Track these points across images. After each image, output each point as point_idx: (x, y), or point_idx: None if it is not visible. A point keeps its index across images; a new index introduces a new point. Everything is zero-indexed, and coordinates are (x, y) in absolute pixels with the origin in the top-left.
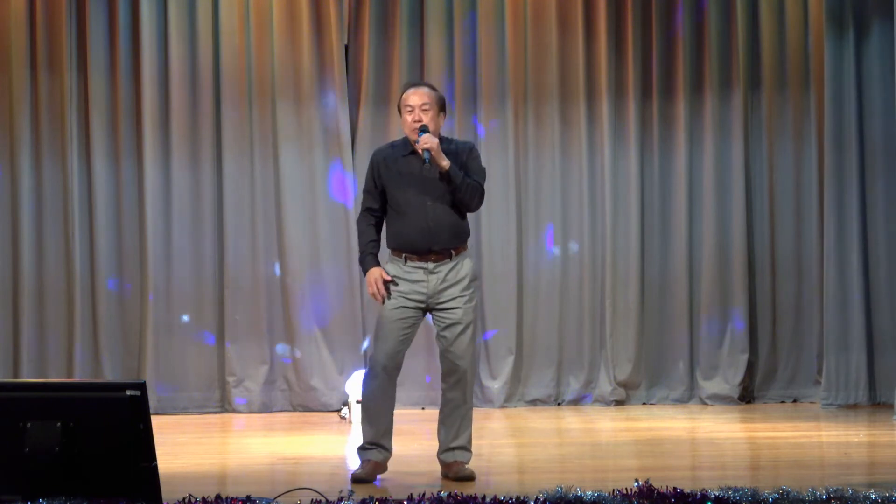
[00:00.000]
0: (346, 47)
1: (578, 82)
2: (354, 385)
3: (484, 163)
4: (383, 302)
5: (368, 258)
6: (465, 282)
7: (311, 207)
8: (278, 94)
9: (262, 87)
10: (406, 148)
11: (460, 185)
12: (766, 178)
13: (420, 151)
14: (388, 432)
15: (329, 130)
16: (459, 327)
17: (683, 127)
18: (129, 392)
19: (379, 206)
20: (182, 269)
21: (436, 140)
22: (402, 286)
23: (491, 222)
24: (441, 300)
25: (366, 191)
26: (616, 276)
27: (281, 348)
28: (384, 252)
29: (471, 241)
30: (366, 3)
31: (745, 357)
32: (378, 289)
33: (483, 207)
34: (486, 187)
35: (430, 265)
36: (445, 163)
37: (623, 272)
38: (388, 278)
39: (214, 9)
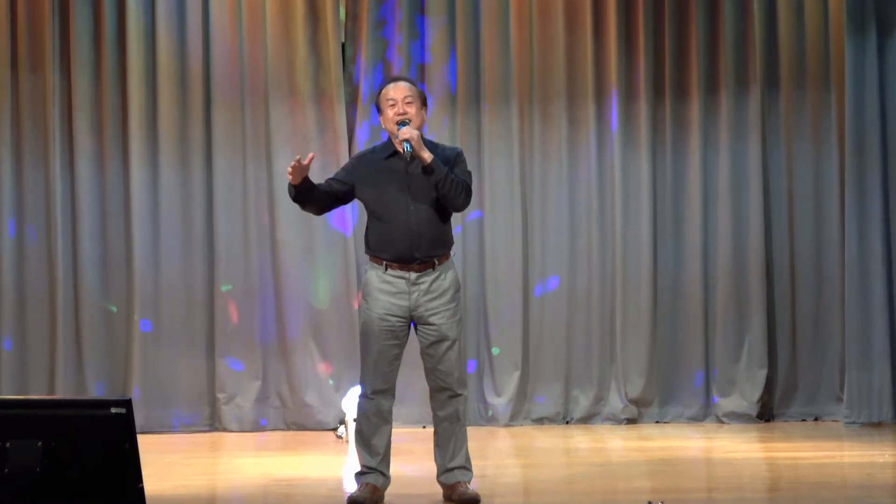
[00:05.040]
0: (343, 44)
1: (587, 81)
2: (352, 402)
3: (487, 165)
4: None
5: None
6: (450, 294)
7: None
8: (272, 94)
9: (255, 86)
10: (387, 149)
11: (444, 180)
12: (785, 181)
13: (400, 145)
14: (386, 458)
15: (325, 131)
16: (445, 344)
17: (697, 128)
18: (113, 409)
19: (335, 189)
20: (171, 278)
21: (416, 131)
22: (384, 299)
23: (494, 228)
24: (424, 313)
25: (330, 178)
26: (626, 286)
27: (274, 362)
28: (361, 257)
29: (473, 249)
30: (364, 1)
31: (763, 372)
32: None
33: (487, 212)
34: (489, 191)
35: (413, 275)
36: (427, 154)
37: (634, 282)
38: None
39: (204, 3)
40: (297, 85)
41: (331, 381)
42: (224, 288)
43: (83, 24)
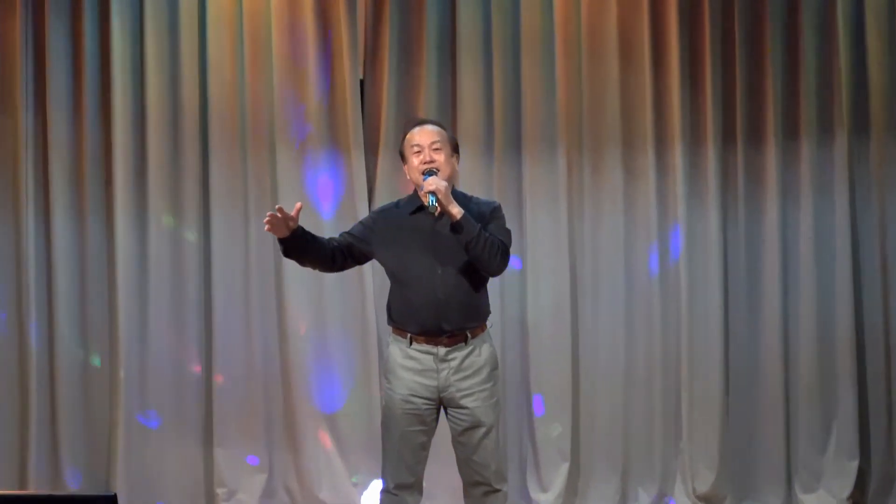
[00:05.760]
0: (362, 82)
1: (645, 124)
2: (373, 498)
3: (529, 221)
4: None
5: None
6: (485, 372)
7: (318, 277)
8: (278, 139)
9: (259, 131)
10: (412, 204)
11: (476, 239)
12: (877, 242)
13: (426, 198)
14: None
15: (341, 182)
16: (481, 430)
17: (774, 180)
18: None
19: (348, 246)
20: (160, 354)
21: (444, 182)
22: (408, 377)
23: (538, 295)
24: (456, 395)
25: (345, 232)
26: (693, 364)
27: (282, 452)
28: (383, 328)
29: (514, 318)
30: (384, 30)
31: (854, 464)
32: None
33: (529, 277)
34: (532, 252)
35: (441, 350)
36: (457, 209)
37: (702, 358)
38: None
39: (200, 35)
40: (308, 129)
41: (350, 476)
42: (222, 365)
43: (60, 60)
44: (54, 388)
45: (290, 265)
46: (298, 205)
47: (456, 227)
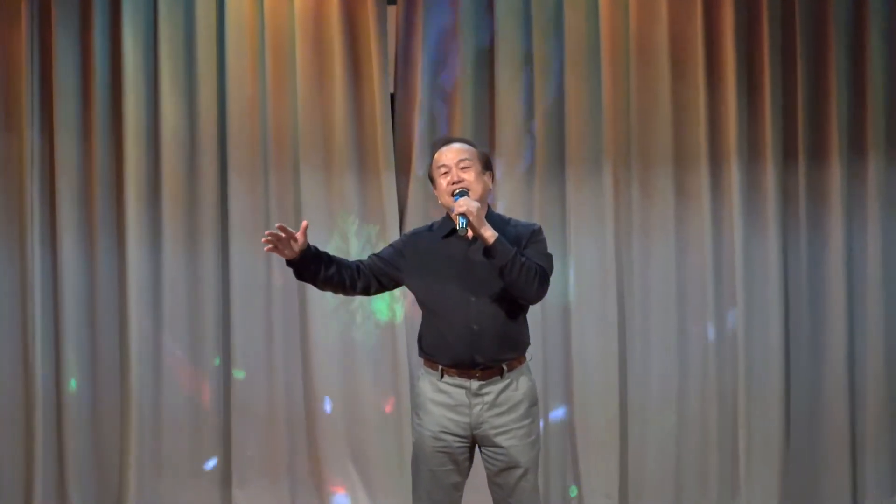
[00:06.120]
0: (392, 98)
1: (698, 141)
2: None
3: (573, 246)
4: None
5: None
6: (523, 408)
7: (346, 307)
8: (302, 159)
9: (281, 150)
10: (445, 227)
11: (511, 264)
12: None
13: (457, 221)
14: None
15: (370, 206)
16: (517, 472)
17: (839, 200)
18: None
19: (374, 269)
20: (175, 387)
21: (476, 203)
22: (439, 413)
23: (583, 324)
24: (490, 432)
25: (374, 254)
26: (751, 400)
27: (305, 492)
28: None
29: (557, 349)
30: (417, 41)
31: None
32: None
33: (573, 304)
34: (576, 279)
35: (474, 384)
36: (490, 232)
37: (760, 394)
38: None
39: (219, 48)
40: (335, 148)
41: None
42: (242, 401)
43: (68, 75)
44: (61, 423)
45: (316, 294)
46: (305, 223)
47: (489, 251)
